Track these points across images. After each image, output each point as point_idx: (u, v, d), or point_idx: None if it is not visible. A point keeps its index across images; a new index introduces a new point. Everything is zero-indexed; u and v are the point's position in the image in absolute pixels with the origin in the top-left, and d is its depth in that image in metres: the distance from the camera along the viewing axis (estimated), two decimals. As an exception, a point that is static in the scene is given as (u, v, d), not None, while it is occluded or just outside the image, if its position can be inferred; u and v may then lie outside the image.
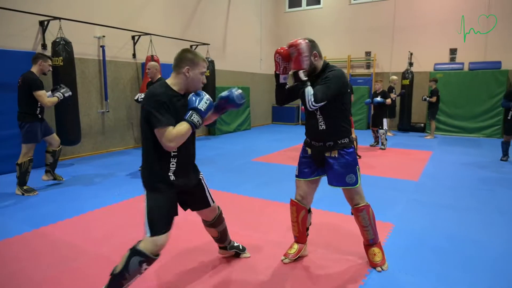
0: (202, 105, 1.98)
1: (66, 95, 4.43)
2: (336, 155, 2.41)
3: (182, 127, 1.92)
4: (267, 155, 6.87)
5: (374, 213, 2.57)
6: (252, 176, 5.29)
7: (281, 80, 2.47)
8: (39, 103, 4.21)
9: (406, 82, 10.11)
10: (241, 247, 2.71)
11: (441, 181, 4.97)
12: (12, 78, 5.29)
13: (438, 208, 3.84)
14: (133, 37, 7.53)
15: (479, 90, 9.53)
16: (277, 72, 2.43)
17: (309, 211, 2.65)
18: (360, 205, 2.47)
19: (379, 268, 2.48)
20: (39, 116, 4.28)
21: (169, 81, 2.05)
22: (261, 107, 12.36)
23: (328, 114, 2.38)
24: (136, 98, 5.32)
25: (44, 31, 5.92)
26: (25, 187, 4.26)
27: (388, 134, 9.71)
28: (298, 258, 2.65)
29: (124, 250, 1.99)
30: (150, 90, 2.00)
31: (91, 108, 6.83)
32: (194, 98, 1.99)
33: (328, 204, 3.82)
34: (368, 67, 11.53)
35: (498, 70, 9.34)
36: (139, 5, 7.66)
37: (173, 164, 2.04)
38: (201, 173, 2.33)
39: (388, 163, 6.14)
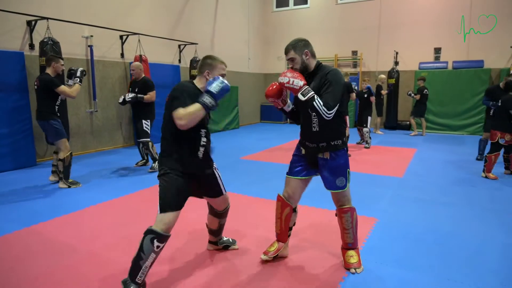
0: (215, 88, 2.16)
1: (78, 74, 4.58)
2: (328, 157, 2.41)
3: (193, 106, 2.12)
4: (255, 153, 6.97)
5: (359, 209, 2.65)
6: (241, 174, 5.38)
7: (287, 109, 2.56)
8: (57, 103, 4.46)
9: (392, 81, 10.33)
10: (230, 240, 2.86)
11: (424, 177, 5.13)
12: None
13: (421, 203, 3.99)
14: (121, 37, 7.53)
15: (462, 88, 9.80)
16: (279, 108, 2.54)
17: (295, 210, 2.62)
18: (345, 207, 2.50)
19: (353, 270, 2.48)
20: (58, 114, 4.51)
21: (196, 80, 2.34)
22: (249, 106, 12.45)
23: None
24: (121, 100, 5.20)
25: (31, 31, 5.90)
26: (70, 180, 4.57)
27: (378, 132, 9.90)
28: (277, 257, 2.66)
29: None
30: (181, 84, 2.26)
31: (80, 108, 6.82)
32: (209, 82, 2.21)
33: (319, 202, 3.93)
34: (355, 66, 11.71)
35: (480, 69, 9.61)
36: (127, 5, 7.66)
37: (201, 152, 2.29)
38: (214, 163, 2.51)
39: (374, 160, 6.30)
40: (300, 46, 2.39)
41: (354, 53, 11.58)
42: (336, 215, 2.59)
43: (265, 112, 13.08)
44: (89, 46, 6.84)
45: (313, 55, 2.42)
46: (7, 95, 5.40)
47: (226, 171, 5.53)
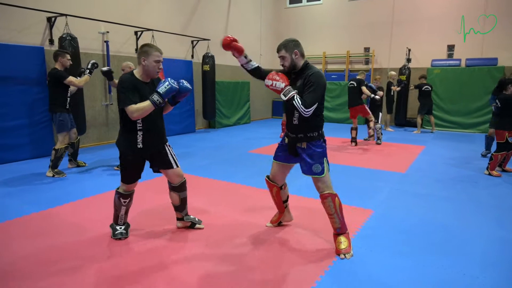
0: (162, 89, 2.57)
1: (89, 66, 4.83)
2: (305, 147, 2.72)
3: (143, 103, 2.56)
4: (263, 147, 7.14)
5: (356, 202, 2.81)
6: (247, 166, 5.57)
7: (247, 67, 2.93)
8: (68, 95, 4.78)
9: (403, 78, 10.29)
10: (196, 219, 3.15)
11: (427, 173, 5.20)
12: (21, 72, 5.62)
13: (419, 197, 4.10)
14: (135, 33, 7.79)
15: (475, 86, 9.69)
16: (240, 63, 2.94)
17: (281, 188, 3.04)
18: (325, 192, 2.68)
19: (342, 255, 2.63)
20: (67, 108, 4.82)
21: (135, 71, 2.70)
22: (260, 101, 12.61)
23: None
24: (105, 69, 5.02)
25: (51, 27, 6.20)
26: (56, 170, 4.79)
27: (388, 129, 9.91)
28: (282, 224, 3.21)
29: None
30: (121, 80, 2.62)
31: (96, 101, 7.12)
32: (160, 83, 2.60)
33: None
34: (367, 62, 11.71)
35: (494, 67, 9.49)
36: (142, 1, 7.91)
37: (139, 136, 2.69)
38: (167, 141, 2.92)
39: (379, 156, 6.38)
40: (291, 46, 2.64)
41: (367, 49, 11.57)
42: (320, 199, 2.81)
43: (277, 108, 13.22)
44: (105, 41, 7.13)
45: (302, 55, 2.69)
46: (28, 88, 5.72)
47: (232, 163, 5.74)
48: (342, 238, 2.74)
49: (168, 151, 2.88)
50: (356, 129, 7.46)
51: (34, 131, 5.83)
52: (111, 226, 2.96)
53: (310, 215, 3.46)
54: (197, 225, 3.12)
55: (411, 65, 10.57)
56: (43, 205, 3.68)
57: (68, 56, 4.78)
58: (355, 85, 7.33)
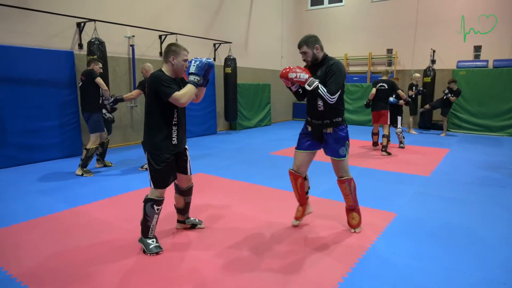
0: (193, 68, 2.62)
1: (111, 100, 4.93)
2: (331, 131, 2.90)
3: (186, 88, 2.59)
4: (285, 149, 7.16)
5: (379, 205, 2.83)
6: (268, 168, 5.61)
7: (294, 89, 3.02)
8: (100, 96, 4.99)
9: (428, 79, 10.09)
10: (197, 220, 3.19)
11: (452, 176, 5.09)
12: (52, 75, 5.87)
13: (443, 201, 4.02)
14: (160, 37, 7.99)
15: (503, 88, 9.40)
16: (288, 87, 2.99)
17: (305, 178, 3.17)
18: (343, 178, 3.00)
19: (352, 230, 3.08)
20: (100, 110, 5.03)
21: (163, 68, 2.70)
22: (281, 103, 12.63)
23: None
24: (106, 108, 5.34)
25: (80, 32, 6.46)
26: (85, 169, 4.95)
27: (412, 132, 9.73)
28: (304, 225, 3.27)
29: None
30: (153, 75, 2.62)
31: (121, 103, 7.34)
32: (188, 67, 2.64)
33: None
34: (389, 64, 11.54)
35: (524, 68, 9.18)
36: (166, 6, 8.11)
37: (174, 131, 2.69)
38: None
39: (403, 160, 6.29)
40: (311, 41, 2.85)
41: (389, 51, 11.41)
42: (337, 182, 3.05)
43: (297, 110, 13.20)
44: (131, 45, 7.35)
45: (321, 49, 2.89)
46: (58, 91, 5.97)
47: (253, 165, 5.79)
48: (355, 214, 3.10)
49: (188, 156, 2.91)
50: (377, 133, 7.32)
51: (64, 131, 6.08)
52: (141, 241, 2.74)
53: (331, 215, 3.47)
54: (198, 226, 3.17)
55: (435, 66, 10.35)
56: (73, 203, 3.84)
57: (100, 65, 5.07)
58: (386, 87, 6.85)
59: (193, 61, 2.63)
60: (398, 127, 7.39)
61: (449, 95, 8.92)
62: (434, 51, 10.42)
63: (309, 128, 3.01)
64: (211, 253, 2.74)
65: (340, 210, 3.65)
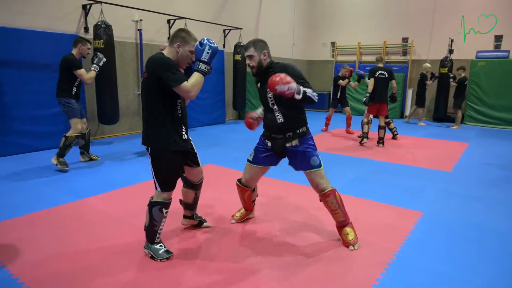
0: (205, 56, 2.25)
1: (100, 64, 4.61)
2: (298, 144, 2.55)
3: (194, 77, 2.22)
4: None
5: (403, 201, 2.58)
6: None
7: (262, 116, 2.77)
8: (76, 83, 4.51)
9: (445, 70, 9.69)
10: (203, 218, 2.95)
11: (475, 173, 4.82)
12: (56, 59, 5.59)
13: (469, 199, 3.77)
14: (168, 21, 7.70)
15: (525, 80, 9.01)
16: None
17: (253, 190, 2.95)
18: (326, 191, 2.55)
19: (351, 247, 2.60)
20: (74, 94, 4.53)
21: (165, 51, 2.31)
22: (292, 93, 12.29)
23: (286, 107, 2.52)
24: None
25: (86, 14, 6.19)
26: (60, 159, 4.47)
27: (421, 124, 9.42)
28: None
29: None
30: (156, 57, 2.22)
31: (129, 90, 7.11)
32: (198, 51, 2.25)
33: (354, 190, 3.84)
34: (404, 54, 11.14)
35: (547, 59, 8.77)
36: (175, -11, 7.79)
37: (183, 127, 2.37)
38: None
39: (422, 154, 6.01)
40: (260, 46, 2.53)
41: (405, 40, 10.99)
42: (320, 201, 2.63)
43: (307, 100, 12.85)
44: (138, 30, 7.07)
45: (269, 55, 2.59)
46: (64, 76, 5.73)
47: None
48: (348, 229, 2.67)
49: (194, 147, 2.60)
50: (370, 123, 6.67)
51: (69, 119, 5.86)
52: (148, 248, 2.44)
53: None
54: (205, 224, 2.92)
55: (453, 56, 9.94)
56: (78, 195, 3.64)
57: (89, 45, 4.59)
58: (386, 75, 6.28)
59: (207, 46, 2.23)
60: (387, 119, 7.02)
61: (451, 80, 8.68)
62: (452, 40, 10.00)
63: (269, 144, 2.66)
64: (221, 257, 2.52)
65: (360, 207, 3.43)
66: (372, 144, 6.63)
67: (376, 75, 6.33)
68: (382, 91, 6.34)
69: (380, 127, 6.45)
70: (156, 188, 2.38)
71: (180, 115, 2.36)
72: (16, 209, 3.22)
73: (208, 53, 2.25)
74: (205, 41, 2.26)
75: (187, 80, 2.19)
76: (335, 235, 2.80)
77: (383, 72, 6.33)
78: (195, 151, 2.59)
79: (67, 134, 4.49)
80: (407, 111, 10.57)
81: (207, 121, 8.72)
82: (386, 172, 4.78)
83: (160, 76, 2.17)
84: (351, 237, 2.63)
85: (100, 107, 6.11)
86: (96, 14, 6.16)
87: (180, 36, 2.28)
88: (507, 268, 2.42)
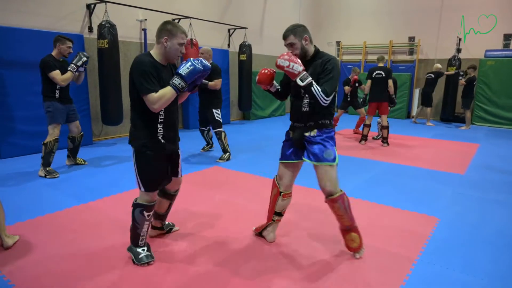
0: (184, 70, 2.15)
1: (79, 63, 4.25)
2: (315, 134, 2.43)
3: (164, 90, 2.14)
4: (303, 142, 6.78)
5: (418, 206, 2.47)
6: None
7: (273, 90, 2.64)
8: (57, 86, 4.22)
9: (452, 69, 9.55)
10: (171, 224, 2.85)
11: (490, 175, 4.69)
12: (61, 59, 5.53)
13: (486, 203, 3.64)
14: (173, 20, 7.58)
15: (534, 79, 8.85)
16: (265, 89, 2.62)
17: (288, 195, 2.63)
18: (334, 196, 2.38)
19: (357, 255, 2.49)
20: (58, 97, 4.25)
21: (152, 51, 2.24)
22: (296, 93, 12.19)
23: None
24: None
25: (90, 14, 6.10)
26: (48, 168, 4.23)
27: (429, 124, 9.29)
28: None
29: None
30: (136, 60, 2.17)
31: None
32: (180, 65, 2.19)
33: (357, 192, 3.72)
34: (411, 53, 11.00)
35: (557, 58, 8.60)
36: (180, -12, 7.69)
37: (160, 130, 2.27)
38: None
39: (432, 155, 5.88)
40: (299, 31, 2.37)
41: (411, 39, 10.85)
42: (325, 201, 2.46)
43: (312, 100, 12.75)
44: (143, 29, 6.98)
45: (311, 41, 2.43)
46: (68, 76, 5.63)
47: (271, 157, 5.43)
48: (354, 235, 2.49)
49: (179, 158, 2.51)
50: (370, 125, 6.65)
51: (73, 120, 5.76)
52: (130, 249, 2.38)
53: (361, 218, 3.11)
54: (174, 229, 2.84)
55: (461, 55, 9.78)
56: (83, 198, 3.54)
57: (69, 44, 4.24)
58: (384, 75, 6.27)
59: (189, 63, 2.16)
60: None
61: (461, 78, 8.53)
62: (460, 39, 9.84)
63: (291, 134, 2.56)
64: (216, 261, 2.42)
65: (373, 212, 3.31)
66: (377, 145, 6.51)
67: (373, 76, 6.39)
68: (379, 90, 6.36)
69: (382, 127, 6.38)
70: (139, 188, 2.31)
71: (162, 119, 2.26)
72: (18, 214, 3.11)
73: (188, 68, 2.15)
74: (191, 59, 2.20)
75: (156, 92, 2.11)
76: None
77: (380, 72, 6.34)
78: (178, 160, 2.49)
79: (45, 141, 4.18)
80: (414, 111, 10.44)
81: (212, 121, 8.60)
82: (397, 174, 4.65)
83: (134, 80, 2.14)
84: (355, 243, 2.49)
85: (103, 108, 6.02)
86: (100, 14, 6.07)
87: (166, 29, 2.20)
88: (534, 278, 2.30)
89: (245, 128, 8.48)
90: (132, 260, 2.34)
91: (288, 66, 2.22)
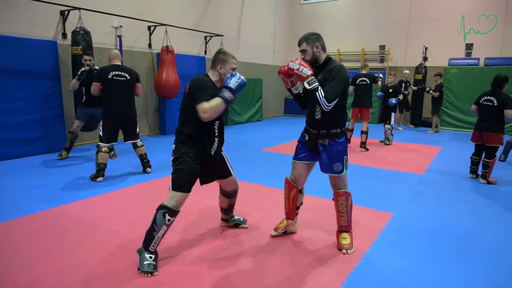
0: (233, 84, 2.38)
1: (78, 72, 5.07)
2: (327, 144, 2.62)
3: (214, 101, 2.33)
4: (276, 146, 7.02)
5: (375, 204, 2.69)
6: (260, 165, 5.45)
7: (294, 92, 2.75)
8: (84, 92, 5.22)
9: (419, 76, 10.05)
10: (241, 219, 3.10)
11: (447, 175, 5.03)
12: (34, 66, 5.58)
13: (440, 200, 3.94)
14: (149, 28, 7.72)
15: (494, 86, 9.40)
16: (287, 87, 2.73)
17: (301, 191, 2.87)
18: (341, 191, 2.68)
19: (344, 250, 2.67)
20: (84, 102, 5.29)
21: (209, 73, 2.53)
22: (273, 99, 12.47)
23: None
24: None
25: (64, 20, 6.16)
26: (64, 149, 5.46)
27: (399, 129, 9.71)
28: (287, 233, 2.97)
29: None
30: (200, 79, 2.44)
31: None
32: (227, 78, 2.42)
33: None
34: (382, 60, 11.48)
35: (514, 66, 9.19)
36: (156, -4, 7.83)
37: (215, 143, 2.55)
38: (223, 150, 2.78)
39: (396, 157, 6.21)
40: (312, 39, 2.58)
41: (382, 47, 11.34)
42: (332, 199, 2.74)
43: (289, 106, 13.06)
44: (118, 36, 7.07)
45: (323, 49, 2.61)
46: (41, 82, 5.68)
47: (246, 162, 5.63)
48: (346, 235, 2.73)
49: (225, 157, 2.79)
50: (353, 130, 7.01)
51: (46, 125, 5.79)
52: (140, 252, 2.40)
53: (326, 217, 3.34)
54: (242, 225, 3.08)
55: (427, 63, 10.31)
56: (55, 202, 3.62)
57: (85, 57, 5.19)
58: (368, 81, 6.65)
59: (237, 75, 2.40)
60: (392, 123, 7.33)
61: (431, 91, 8.93)
62: (426, 48, 10.37)
63: (306, 137, 2.76)
64: (196, 255, 2.58)
65: (334, 210, 3.53)
66: (355, 149, 6.81)
67: (356, 82, 6.72)
68: (363, 97, 6.68)
69: (362, 132, 6.70)
70: (169, 188, 2.42)
71: (217, 133, 2.55)
72: (-10, 217, 3.18)
73: (236, 82, 2.38)
74: (237, 74, 2.44)
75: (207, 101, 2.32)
76: (313, 240, 2.89)
77: (364, 79, 6.69)
78: (226, 158, 2.78)
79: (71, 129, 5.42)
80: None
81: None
82: (362, 175, 4.92)
83: (194, 94, 2.36)
84: (346, 241, 2.69)
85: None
86: (74, 20, 6.14)
87: (219, 59, 2.50)
88: (479, 266, 2.56)
89: (226, 133, 8.62)
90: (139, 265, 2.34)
91: (298, 69, 2.46)
